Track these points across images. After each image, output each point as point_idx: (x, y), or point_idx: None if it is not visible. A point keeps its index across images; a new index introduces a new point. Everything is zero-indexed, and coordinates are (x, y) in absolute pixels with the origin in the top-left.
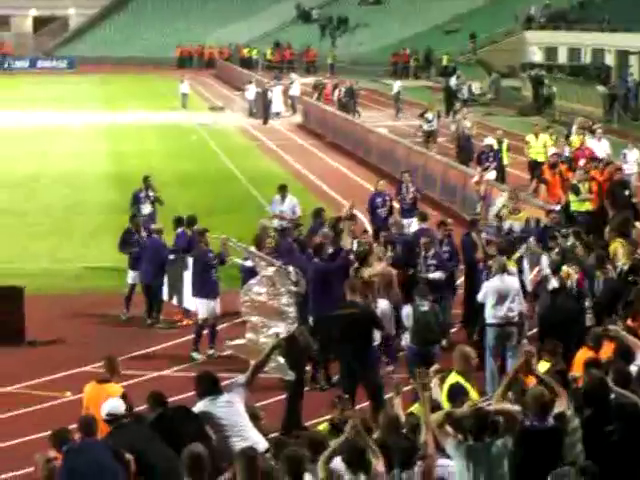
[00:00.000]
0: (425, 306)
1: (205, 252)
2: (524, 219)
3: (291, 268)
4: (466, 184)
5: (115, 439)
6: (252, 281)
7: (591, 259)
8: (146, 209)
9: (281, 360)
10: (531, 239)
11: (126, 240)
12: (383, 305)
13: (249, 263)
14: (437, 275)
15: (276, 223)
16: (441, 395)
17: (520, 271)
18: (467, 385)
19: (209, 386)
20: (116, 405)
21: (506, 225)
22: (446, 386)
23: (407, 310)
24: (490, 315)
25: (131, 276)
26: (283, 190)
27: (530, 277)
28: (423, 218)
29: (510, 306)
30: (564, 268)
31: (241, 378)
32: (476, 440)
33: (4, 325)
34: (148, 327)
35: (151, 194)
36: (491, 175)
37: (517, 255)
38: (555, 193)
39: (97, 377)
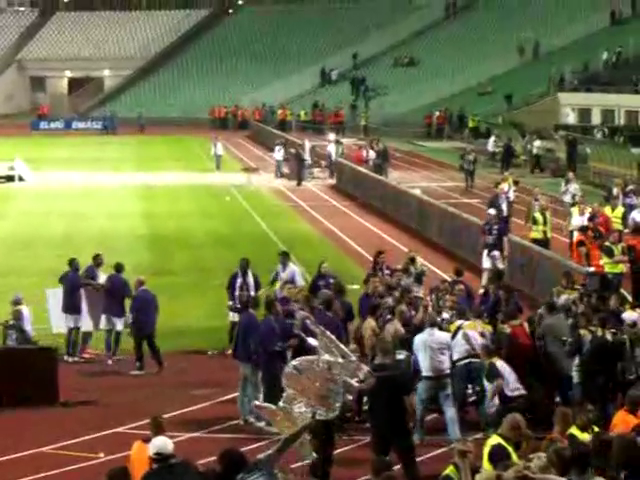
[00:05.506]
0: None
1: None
2: None
3: (364, 366)
4: None
5: (154, 477)
6: (307, 358)
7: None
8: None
9: (307, 438)
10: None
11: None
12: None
13: (314, 342)
14: None
15: (279, 293)
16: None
17: None
18: (509, 448)
19: (241, 464)
20: (164, 444)
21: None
22: (487, 447)
23: None
24: (424, 368)
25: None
26: (284, 257)
27: None
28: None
29: (441, 359)
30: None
31: (270, 451)
32: None
33: (37, 386)
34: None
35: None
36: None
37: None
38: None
39: (142, 437)
